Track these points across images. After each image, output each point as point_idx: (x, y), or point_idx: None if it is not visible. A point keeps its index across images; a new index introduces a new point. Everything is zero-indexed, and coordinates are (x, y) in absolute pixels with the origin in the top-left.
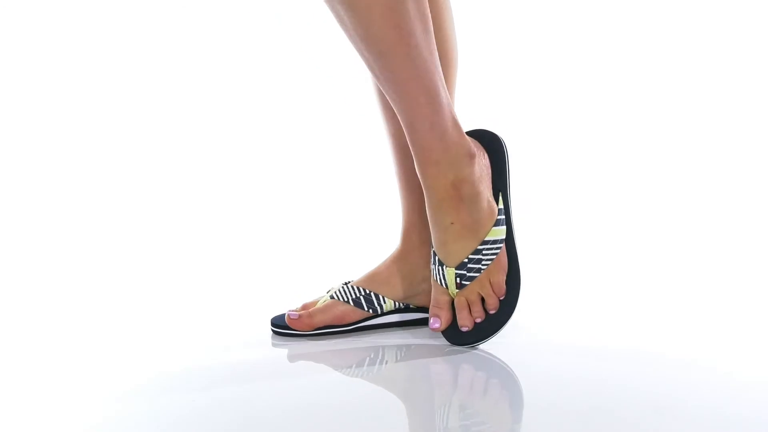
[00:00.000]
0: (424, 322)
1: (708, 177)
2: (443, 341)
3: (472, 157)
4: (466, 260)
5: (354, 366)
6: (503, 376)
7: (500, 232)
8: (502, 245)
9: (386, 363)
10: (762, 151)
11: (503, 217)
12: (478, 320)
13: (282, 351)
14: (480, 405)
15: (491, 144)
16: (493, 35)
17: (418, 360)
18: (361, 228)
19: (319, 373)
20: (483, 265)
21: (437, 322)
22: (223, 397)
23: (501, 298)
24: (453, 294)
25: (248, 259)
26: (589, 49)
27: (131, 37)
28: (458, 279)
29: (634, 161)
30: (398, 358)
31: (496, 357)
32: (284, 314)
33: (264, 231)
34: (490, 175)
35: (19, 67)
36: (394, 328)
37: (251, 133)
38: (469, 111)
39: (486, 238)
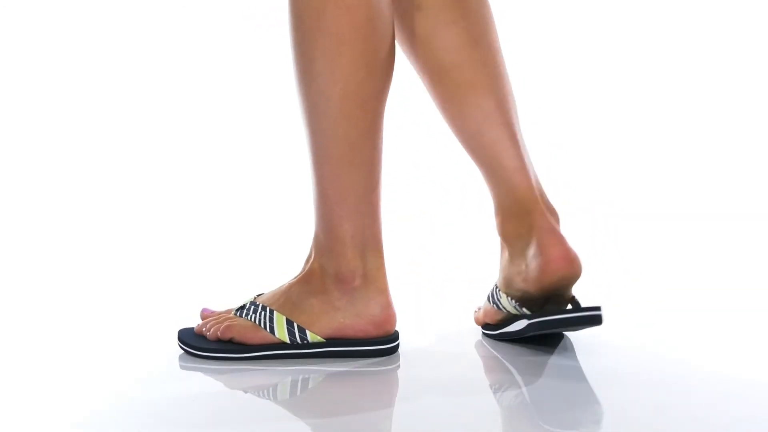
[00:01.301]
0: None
1: (708, 191)
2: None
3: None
4: (256, 304)
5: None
6: (502, 374)
7: (281, 330)
8: (262, 327)
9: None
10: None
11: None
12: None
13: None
14: (479, 404)
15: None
16: None
17: (408, 363)
18: None
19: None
20: (252, 315)
21: None
22: (219, 395)
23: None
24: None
25: (245, 258)
26: (579, 44)
27: (130, 37)
28: (245, 308)
29: (632, 161)
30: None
31: (494, 355)
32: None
33: (260, 231)
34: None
35: (19, 67)
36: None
37: (250, 135)
38: None
39: (271, 314)
